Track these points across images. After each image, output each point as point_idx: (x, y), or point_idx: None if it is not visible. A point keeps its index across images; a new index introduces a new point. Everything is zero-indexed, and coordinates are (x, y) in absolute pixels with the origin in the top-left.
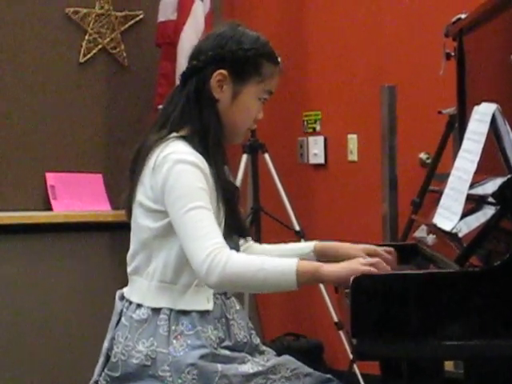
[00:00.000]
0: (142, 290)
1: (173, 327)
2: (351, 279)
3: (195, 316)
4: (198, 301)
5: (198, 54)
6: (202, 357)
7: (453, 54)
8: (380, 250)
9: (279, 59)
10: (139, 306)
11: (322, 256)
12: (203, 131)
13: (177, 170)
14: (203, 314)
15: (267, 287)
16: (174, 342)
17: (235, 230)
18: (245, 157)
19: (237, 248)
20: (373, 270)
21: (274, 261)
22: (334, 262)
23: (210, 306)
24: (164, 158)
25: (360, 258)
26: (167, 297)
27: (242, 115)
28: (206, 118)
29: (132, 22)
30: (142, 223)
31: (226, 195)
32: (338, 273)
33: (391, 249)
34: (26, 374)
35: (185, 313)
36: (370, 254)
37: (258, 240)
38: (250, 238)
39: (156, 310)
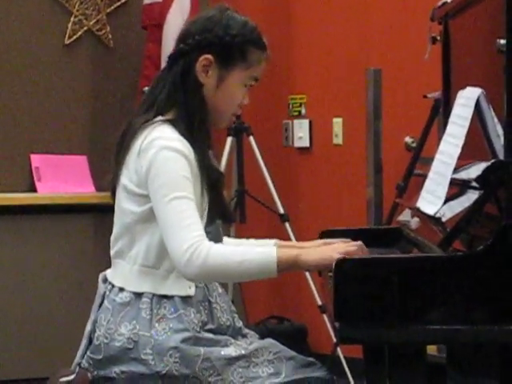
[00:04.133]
0: (125, 273)
1: (155, 310)
2: (334, 263)
3: (178, 300)
4: (179, 286)
5: (185, 37)
6: (185, 340)
7: (438, 38)
8: (350, 245)
9: (266, 45)
10: (121, 289)
11: None
12: (189, 115)
13: (162, 156)
14: (186, 297)
15: (247, 277)
16: (157, 325)
17: (219, 216)
18: (229, 139)
19: (218, 234)
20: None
21: (254, 252)
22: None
23: (191, 292)
24: (150, 143)
25: (337, 246)
26: (149, 281)
27: (227, 101)
28: (191, 102)
29: (118, 3)
30: (126, 207)
31: (211, 181)
32: (315, 262)
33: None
34: (8, 354)
35: (167, 297)
36: None
37: (243, 222)
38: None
39: (138, 294)
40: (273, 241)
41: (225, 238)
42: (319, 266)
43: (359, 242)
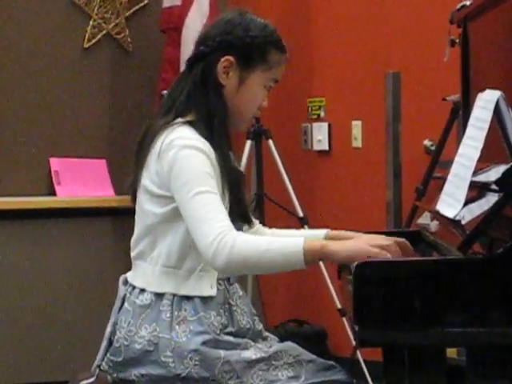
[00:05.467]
0: (146, 274)
1: (176, 313)
2: (354, 265)
3: (198, 302)
4: (201, 286)
5: (205, 39)
6: (205, 343)
7: (457, 40)
8: (392, 239)
9: (286, 48)
10: (142, 290)
11: None
12: (209, 117)
13: (183, 155)
14: (206, 299)
15: (275, 267)
16: (177, 327)
17: (239, 217)
18: (249, 143)
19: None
20: (383, 253)
21: (281, 241)
22: None
23: (213, 292)
24: (170, 144)
25: (367, 238)
26: (171, 282)
27: (247, 102)
28: (211, 104)
29: (137, 7)
30: (147, 208)
31: (232, 181)
32: (345, 251)
33: (403, 239)
34: (28, 358)
35: (188, 298)
36: None
37: (262, 225)
38: (257, 222)
39: (159, 295)
40: (325, 231)
41: (268, 230)
42: (349, 257)
43: (390, 242)
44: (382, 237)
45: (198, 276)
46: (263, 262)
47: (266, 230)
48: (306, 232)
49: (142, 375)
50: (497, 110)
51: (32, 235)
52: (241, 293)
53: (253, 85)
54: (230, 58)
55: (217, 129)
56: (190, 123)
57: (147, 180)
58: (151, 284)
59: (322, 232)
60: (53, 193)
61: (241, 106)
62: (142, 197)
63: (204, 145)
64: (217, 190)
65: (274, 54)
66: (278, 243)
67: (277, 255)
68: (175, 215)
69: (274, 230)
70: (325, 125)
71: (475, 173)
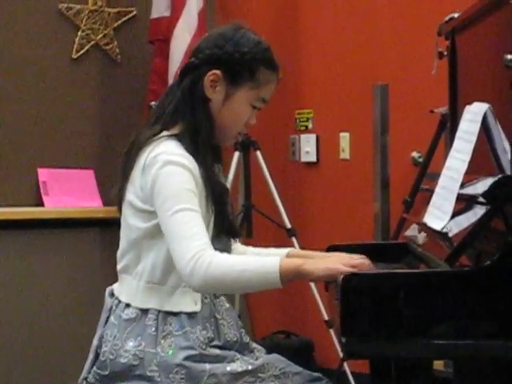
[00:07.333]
0: (131, 289)
1: (161, 327)
2: (340, 278)
3: (184, 317)
4: (185, 302)
5: (197, 51)
6: (190, 358)
7: (445, 53)
8: (354, 259)
9: (278, 67)
10: (128, 305)
11: None
12: (194, 130)
13: (166, 171)
14: (191, 314)
15: (251, 287)
16: (162, 342)
17: (224, 231)
18: (236, 154)
19: (226, 249)
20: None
21: (257, 261)
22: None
23: (197, 308)
24: (154, 159)
25: (342, 258)
26: (155, 298)
27: (232, 118)
28: (197, 117)
29: (125, 18)
30: (131, 223)
31: (215, 196)
32: (319, 271)
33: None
34: (14, 368)
35: (173, 313)
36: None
37: (250, 237)
38: (237, 240)
39: (144, 310)
40: (287, 250)
41: (241, 246)
42: (324, 276)
43: (363, 256)
44: (350, 256)
45: (182, 292)
46: (239, 282)
47: (239, 247)
48: (269, 251)
49: None
50: (484, 123)
51: (19, 246)
52: (227, 306)
53: (238, 101)
54: (217, 72)
55: (201, 143)
56: (176, 137)
57: (132, 195)
58: (136, 299)
59: (283, 252)
60: (41, 203)
61: (225, 122)
62: (126, 211)
63: (189, 161)
64: (198, 208)
65: (264, 72)
66: (254, 263)
67: (253, 275)
68: (159, 230)
69: (247, 248)
70: (313, 136)
71: (463, 185)
